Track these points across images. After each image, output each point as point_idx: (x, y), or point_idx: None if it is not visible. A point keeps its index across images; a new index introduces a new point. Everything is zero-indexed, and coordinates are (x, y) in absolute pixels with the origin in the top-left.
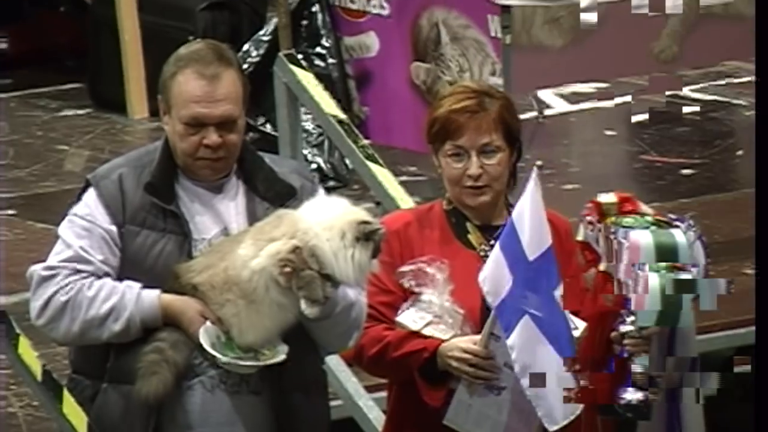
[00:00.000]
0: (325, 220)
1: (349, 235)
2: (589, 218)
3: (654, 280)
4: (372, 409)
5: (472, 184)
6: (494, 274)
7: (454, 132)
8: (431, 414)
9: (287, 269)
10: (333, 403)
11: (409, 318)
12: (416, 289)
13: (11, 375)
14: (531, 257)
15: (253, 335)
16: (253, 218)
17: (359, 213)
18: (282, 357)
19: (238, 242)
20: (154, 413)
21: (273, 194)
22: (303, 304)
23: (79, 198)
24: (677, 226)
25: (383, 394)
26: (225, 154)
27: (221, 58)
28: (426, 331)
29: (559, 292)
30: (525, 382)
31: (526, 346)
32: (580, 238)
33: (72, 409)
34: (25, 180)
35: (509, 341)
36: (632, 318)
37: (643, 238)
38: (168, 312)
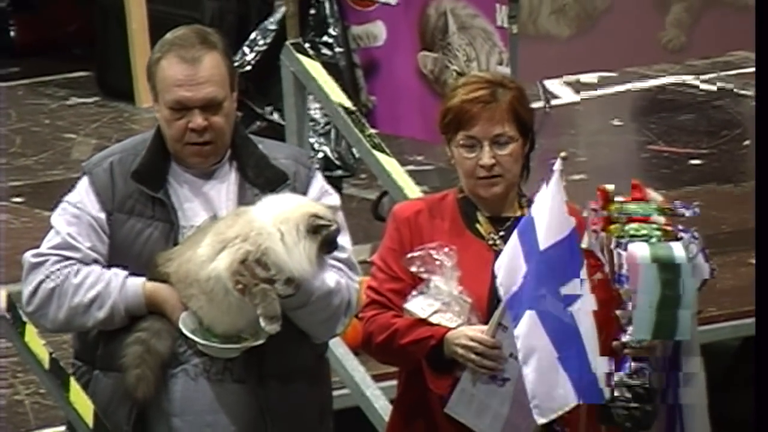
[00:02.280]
0: (279, 214)
1: (301, 227)
2: (593, 227)
3: (648, 295)
4: (378, 398)
5: (485, 174)
6: (509, 265)
7: (466, 122)
8: (438, 403)
9: (239, 286)
10: (340, 392)
11: (418, 305)
12: (424, 276)
13: (18, 363)
14: (542, 246)
15: (220, 328)
16: (243, 205)
17: (314, 207)
18: (261, 340)
19: (204, 235)
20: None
21: (263, 180)
22: (261, 321)
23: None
24: (680, 238)
25: (390, 383)
26: (211, 137)
27: (204, 41)
28: (433, 319)
29: (567, 289)
30: (525, 369)
31: (530, 335)
32: (584, 245)
33: (79, 397)
34: (32, 168)
35: (516, 331)
36: (632, 328)
37: (641, 251)
38: (151, 300)
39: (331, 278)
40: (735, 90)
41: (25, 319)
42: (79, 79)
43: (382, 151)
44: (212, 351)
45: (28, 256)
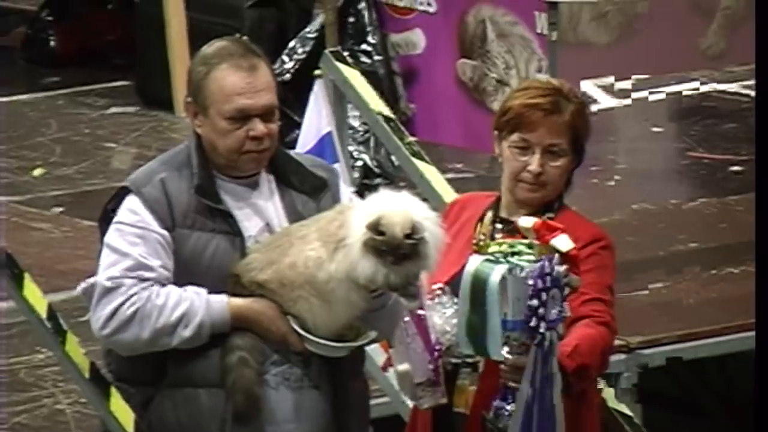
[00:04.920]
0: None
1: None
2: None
3: (462, 310)
4: None
5: (531, 180)
6: None
7: (526, 125)
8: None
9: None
10: (380, 400)
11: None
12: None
13: (59, 372)
14: None
15: (324, 329)
16: (292, 212)
17: (415, 213)
18: (372, 337)
19: (300, 239)
20: (229, 415)
21: (308, 187)
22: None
23: (117, 204)
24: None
25: None
26: (269, 144)
27: (250, 50)
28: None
29: None
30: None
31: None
32: None
33: (120, 406)
34: (72, 177)
35: None
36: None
37: (472, 264)
38: (240, 316)
39: None
40: None
41: (65, 327)
42: (119, 89)
43: (422, 158)
44: (326, 350)
45: (101, 281)
